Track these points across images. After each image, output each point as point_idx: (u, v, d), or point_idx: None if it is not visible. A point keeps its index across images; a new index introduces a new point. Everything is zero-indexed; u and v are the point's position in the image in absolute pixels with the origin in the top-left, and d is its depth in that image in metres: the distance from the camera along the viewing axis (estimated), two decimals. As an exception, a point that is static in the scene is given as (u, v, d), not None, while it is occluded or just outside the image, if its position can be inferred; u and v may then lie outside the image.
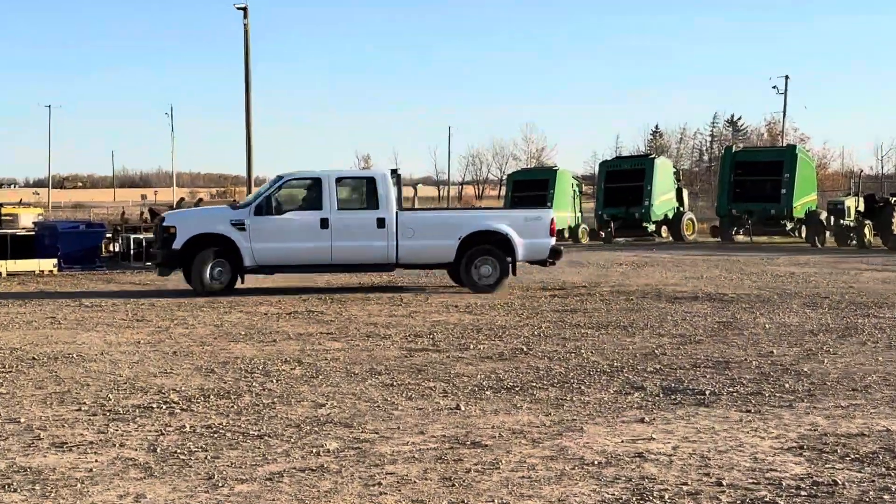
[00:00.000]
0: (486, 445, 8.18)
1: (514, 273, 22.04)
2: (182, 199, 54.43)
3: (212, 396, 10.30)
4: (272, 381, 11.15)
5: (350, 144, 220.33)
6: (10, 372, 11.81)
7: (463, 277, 21.77)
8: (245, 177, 49.29)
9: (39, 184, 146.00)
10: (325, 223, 21.27)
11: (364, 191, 22.01)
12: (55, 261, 28.25)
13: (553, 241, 22.40)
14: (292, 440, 8.42)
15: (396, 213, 21.72)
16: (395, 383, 11.00)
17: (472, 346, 13.67)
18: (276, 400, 10.13)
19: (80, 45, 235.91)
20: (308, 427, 8.90)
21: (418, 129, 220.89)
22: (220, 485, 7.09)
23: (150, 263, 25.55)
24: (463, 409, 9.65)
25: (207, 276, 20.99)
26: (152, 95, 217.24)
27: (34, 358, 12.83)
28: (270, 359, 12.73)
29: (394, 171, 22.44)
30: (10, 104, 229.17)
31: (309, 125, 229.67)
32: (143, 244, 30.69)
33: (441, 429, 8.82)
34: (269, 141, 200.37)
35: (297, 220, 21.35)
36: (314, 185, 21.76)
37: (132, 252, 31.09)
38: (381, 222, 21.45)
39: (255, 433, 8.67)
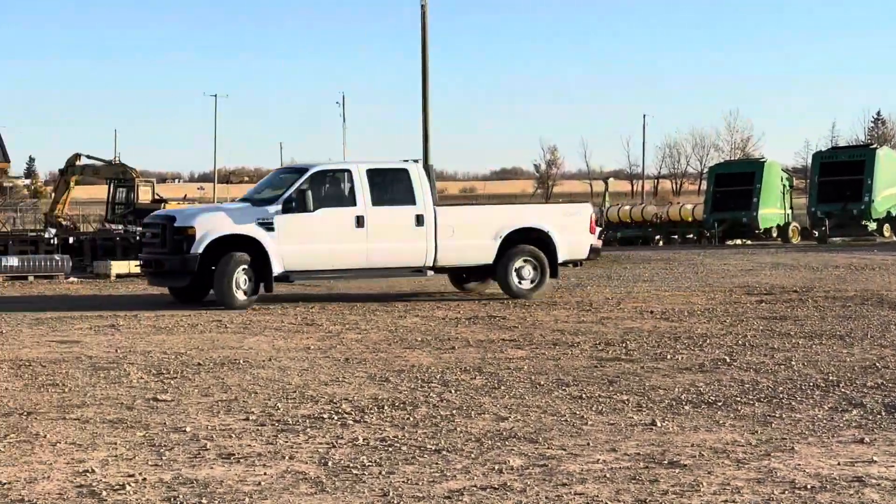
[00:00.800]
0: (685, 465, 8.11)
1: (556, 275, 21.62)
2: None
3: (386, 407, 10.45)
4: (451, 392, 11.25)
5: (535, 135, 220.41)
6: (176, 378, 12.19)
7: (501, 281, 21.04)
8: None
9: (204, 178, 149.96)
10: (360, 221, 20.07)
11: (398, 184, 20.79)
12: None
13: (593, 238, 21.97)
14: (473, 456, 8.48)
15: (434, 208, 20.87)
16: (584, 395, 10.98)
17: (668, 356, 13.56)
18: (454, 412, 10.22)
19: (247, 33, 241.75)
20: (490, 442, 8.96)
21: (610, 118, 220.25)
22: (395, 502, 7.17)
23: (141, 271, 23.12)
24: (659, 424, 9.58)
25: (235, 285, 19.43)
26: (323, 83, 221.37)
27: (200, 364, 13.22)
28: (449, 367, 12.85)
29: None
30: (173, 93, 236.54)
31: (489, 115, 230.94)
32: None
33: (635, 446, 8.77)
34: (446, 131, 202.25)
35: (331, 219, 20.06)
36: (345, 178, 20.56)
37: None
38: (419, 220, 20.46)
39: (433, 447, 8.76)
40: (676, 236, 55.17)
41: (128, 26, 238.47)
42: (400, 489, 7.48)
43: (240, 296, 19.40)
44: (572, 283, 24.86)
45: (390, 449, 8.72)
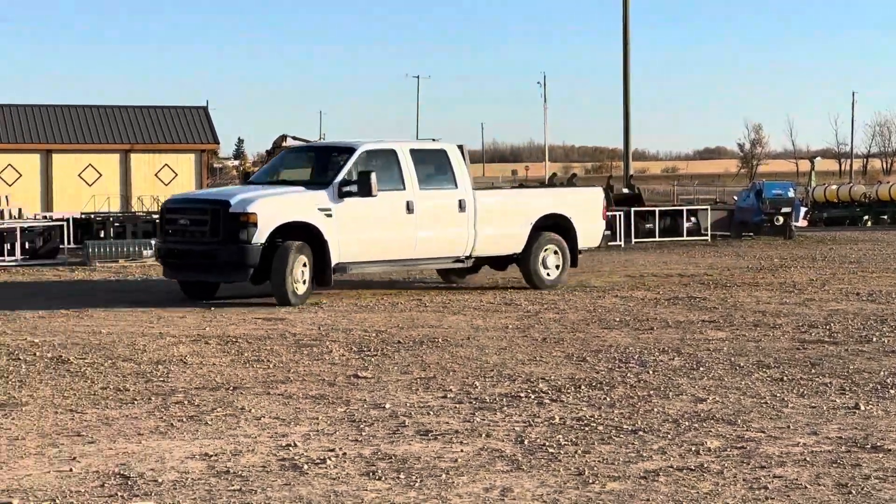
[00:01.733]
0: (889, 450, 7.91)
1: (576, 264, 20.23)
2: (554, 174, 55.19)
3: (583, 387, 10.44)
4: (648, 372, 11.18)
5: (739, 114, 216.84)
6: (376, 356, 12.39)
7: (529, 270, 19.40)
8: (622, 150, 49.55)
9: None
10: (409, 206, 18.02)
11: (438, 166, 18.85)
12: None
13: (604, 225, 20.79)
14: (669, 436, 8.42)
15: (473, 193, 19.03)
16: (784, 378, 10.80)
17: (874, 339, 13.23)
18: (652, 392, 10.16)
19: (449, 15, 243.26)
20: (687, 423, 8.88)
21: (817, 96, 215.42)
22: (590, 481, 7.18)
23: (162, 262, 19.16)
24: (862, 408, 9.37)
25: (293, 280, 17.01)
26: (523, 64, 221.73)
27: (400, 342, 13.40)
28: (647, 347, 12.78)
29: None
30: (377, 75, 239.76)
31: (693, 94, 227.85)
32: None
33: (836, 430, 8.60)
34: (648, 110, 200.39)
35: (385, 204, 17.82)
36: (390, 159, 18.29)
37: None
38: (461, 205, 18.56)
39: (629, 428, 8.72)
40: (886, 217, 53.67)
41: (332, 12, 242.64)
42: (595, 468, 7.48)
43: (300, 290, 17.06)
44: (775, 265, 24.46)
45: (586, 428, 8.72)
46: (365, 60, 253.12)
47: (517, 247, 19.16)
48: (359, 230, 17.49)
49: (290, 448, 8.13)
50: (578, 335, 13.90)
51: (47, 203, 50.86)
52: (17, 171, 51.17)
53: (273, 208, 16.95)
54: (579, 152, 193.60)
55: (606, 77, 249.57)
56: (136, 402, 9.88)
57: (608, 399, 9.89)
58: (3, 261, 27.21)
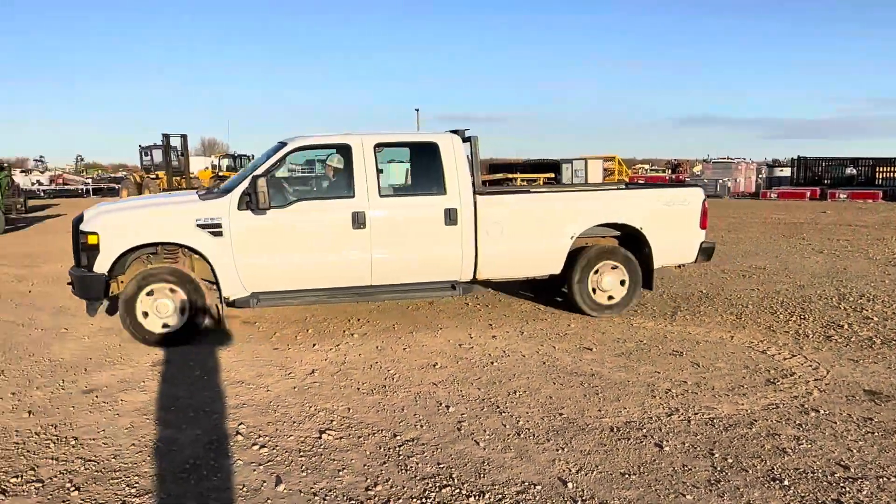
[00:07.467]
0: None
1: (652, 286, 12.40)
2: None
3: None
4: None
5: None
6: None
7: (573, 294, 12.34)
8: None
9: None
10: (359, 220, 11.20)
11: (420, 166, 11.90)
12: None
13: (704, 234, 12.62)
14: None
15: (475, 198, 11.73)
16: None
17: None
18: None
19: None
20: None
21: None
22: None
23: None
24: None
25: (142, 315, 10.78)
26: None
27: None
28: None
29: (458, 132, 12.05)
30: None
31: None
32: None
33: None
34: None
35: (311, 217, 11.16)
36: (339, 158, 11.68)
37: None
38: (449, 215, 11.54)
39: None
40: None
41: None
42: None
43: (153, 328, 10.86)
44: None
45: None
46: None
47: (552, 267, 12.36)
48: (266, 251, 11.13)
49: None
50: None
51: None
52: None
53: (122, 226, 10.83)
54: None
55: None
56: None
57: None
58: None
